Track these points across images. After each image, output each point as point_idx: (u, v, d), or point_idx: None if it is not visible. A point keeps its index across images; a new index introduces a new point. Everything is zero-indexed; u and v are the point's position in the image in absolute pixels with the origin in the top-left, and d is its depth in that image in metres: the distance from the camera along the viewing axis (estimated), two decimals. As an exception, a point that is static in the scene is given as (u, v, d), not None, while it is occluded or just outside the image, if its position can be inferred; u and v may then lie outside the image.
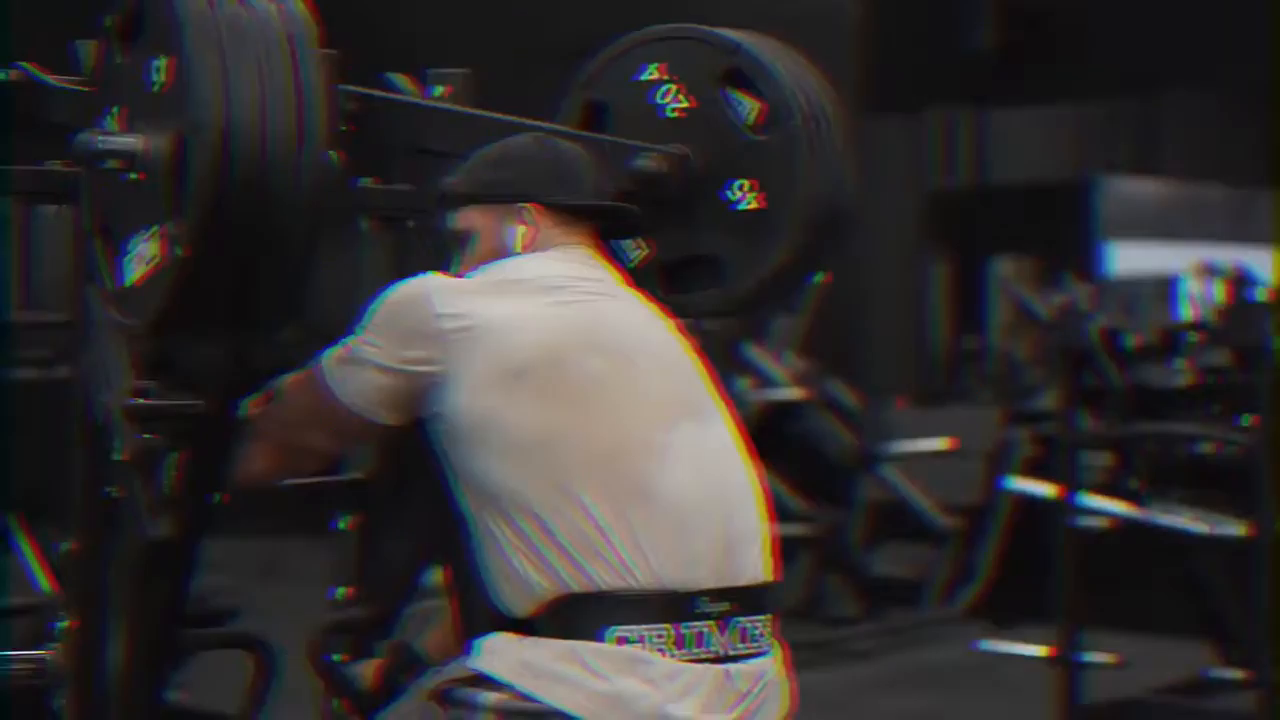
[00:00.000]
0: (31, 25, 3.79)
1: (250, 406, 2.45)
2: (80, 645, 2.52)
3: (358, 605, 2.69)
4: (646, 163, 2.61)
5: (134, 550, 2.38)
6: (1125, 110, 14.82)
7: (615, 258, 2.59)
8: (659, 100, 2.69)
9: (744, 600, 2.32)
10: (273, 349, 2.39)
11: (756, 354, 8.12)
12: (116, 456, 2.37)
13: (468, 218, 2.49)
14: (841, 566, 8.01)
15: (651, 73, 2.70)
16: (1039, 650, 5.07)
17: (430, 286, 2.34)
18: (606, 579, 2.23)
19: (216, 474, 2.44)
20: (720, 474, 2.35)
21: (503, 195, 2.46)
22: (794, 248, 2.60)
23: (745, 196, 2.61)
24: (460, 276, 2.43)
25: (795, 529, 7.74)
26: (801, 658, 6.72)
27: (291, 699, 2.80)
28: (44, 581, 5.73)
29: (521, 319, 2.30)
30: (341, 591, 2.99)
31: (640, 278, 2.64)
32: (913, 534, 7.87)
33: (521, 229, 2.45)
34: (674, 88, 2.68)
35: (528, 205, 2.45)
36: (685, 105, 2.67)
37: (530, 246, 2.45)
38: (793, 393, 7.92)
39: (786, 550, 7.82)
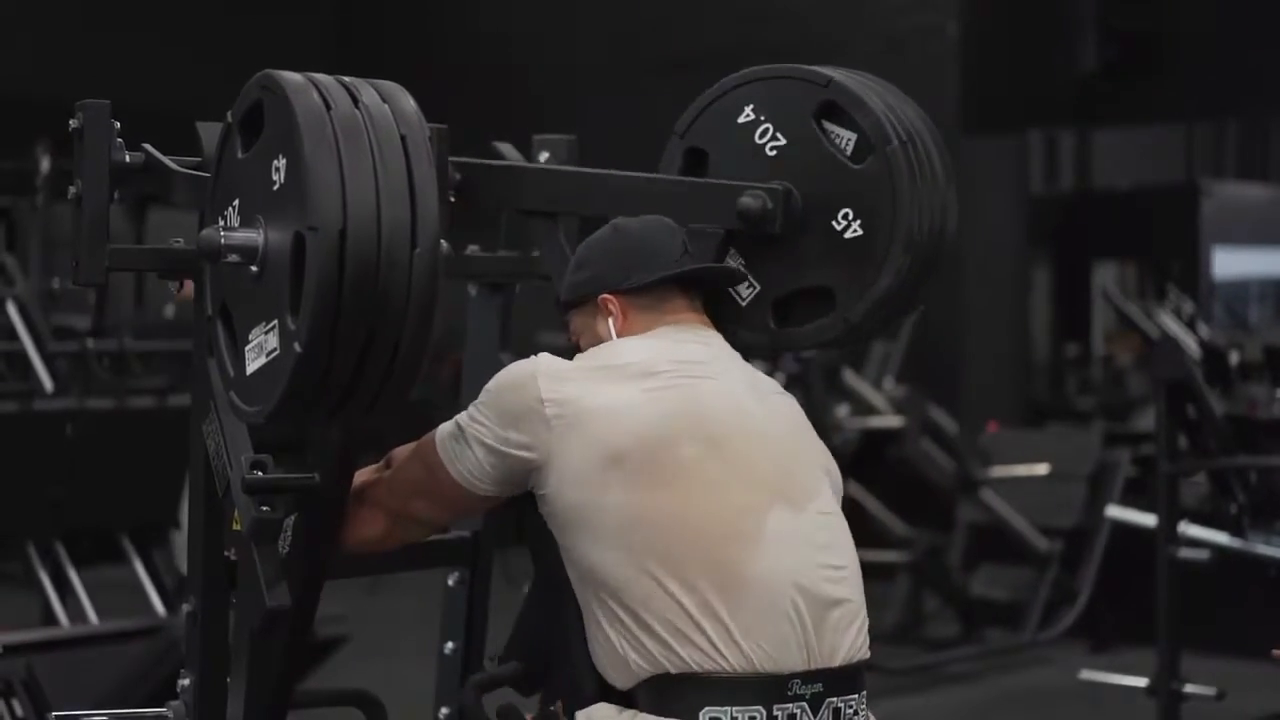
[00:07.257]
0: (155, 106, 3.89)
1: (362, 473, 2.54)
2: (201, 702, 2.62)
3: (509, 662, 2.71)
4: (751, 201, 2.64)
5: (252, 615, 2.46)
6: (1229, 126, 14.66)
7: (723, 302, 2.64)
8: (758, 140, 2.72)
9: (836, 681, 2.37)
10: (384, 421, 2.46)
11: (856, 380, 8.15)
12: (235, 527, 2.46)
13: (571, 323, 2.60)
14: (941, 590, 8.01)
15: (747, 114, 2.72)
16: (1140, 681, 5.05)
17: (538, 369, 2.41)
18: (698, 662, 2.29)
19: (330, 541, 2.53)
20: (813, 557, 2.39)
21: (586, 295, 2.56)
22: (899, 272, 2.62)
23: (851, 225, 2.64)
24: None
25: (895, 553, 7.77)
26: (901, 681, 6.73)
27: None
28: (158, 603, 5.87)
29: (618, 407, 2.36)
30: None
31: (751, 314, 2.69)
32: (1013, 557, 7.84)
33: (610, 320, 2.53)
34: (770, 126, 2.71)
35: (609, 297, 2.53)
36: (783, 143, 2.70)
37: (625, 332, 2.52)
38: (892, 419, 7.95)
39: (886, 574, 7.83)
